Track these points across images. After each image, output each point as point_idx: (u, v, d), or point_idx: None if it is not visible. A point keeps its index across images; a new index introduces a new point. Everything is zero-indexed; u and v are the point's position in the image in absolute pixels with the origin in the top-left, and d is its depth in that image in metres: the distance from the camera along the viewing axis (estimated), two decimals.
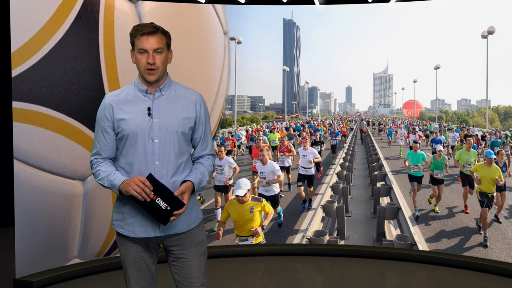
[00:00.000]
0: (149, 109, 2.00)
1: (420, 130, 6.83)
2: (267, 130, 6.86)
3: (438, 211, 5.52)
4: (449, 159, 6.28)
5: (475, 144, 5.84)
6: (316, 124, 7.24)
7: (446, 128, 6.68)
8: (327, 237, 5.01)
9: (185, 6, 4.73)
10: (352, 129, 7.81)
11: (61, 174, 4.03)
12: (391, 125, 7.52)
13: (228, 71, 5.33)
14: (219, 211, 5.53)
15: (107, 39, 4.20)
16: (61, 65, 3.98)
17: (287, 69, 6.32)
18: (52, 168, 3.97)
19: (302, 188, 5.93)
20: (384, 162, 6.95)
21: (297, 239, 5.15)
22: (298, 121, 7.23)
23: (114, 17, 4.22)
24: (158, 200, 1.88)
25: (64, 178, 4.06)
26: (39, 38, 3.82)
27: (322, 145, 6.68)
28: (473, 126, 6.17)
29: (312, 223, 5.43)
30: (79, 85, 4.09)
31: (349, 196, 6.26)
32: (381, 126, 7.76)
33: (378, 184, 6.25)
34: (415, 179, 5.72)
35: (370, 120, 7.72)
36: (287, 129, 7.08)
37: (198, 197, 5.72)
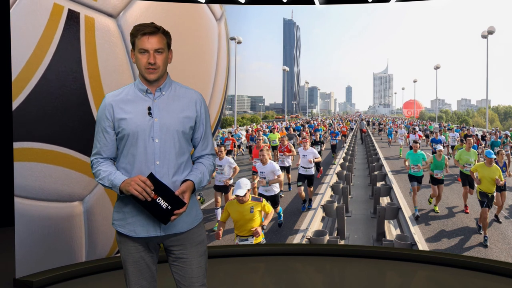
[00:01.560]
0: (149, 108, 2.00)
1: (420, 130, 6.83)
2: (267, 130, 6.86)
3: (438, 211, 5.52)
4: (449, 159, 6.28)
5: (475, 144, 5.84)
6: (316, 124, 7.24)
7: (446, 128, 6.68)
8: (327, 237, 5.01)
9: (172, 7, 4.59)
10: (352, 129, 7.81)
11: (59, 200, 4.08)
12: (391, 125, 7.53)
13: (226, 60, 5.18)
14: (219, 211, 5.53)
15: (90, 62, 4.13)
16: (48, 98, 3.96)
17: (287, 69, 6.31)
18: (49, 197, 4.02)
19: (302, 188, 5.93)
20: (384, 162, 6.95)
21: (297, 239, 5.14)
22: (298, 121, 7.23)
23: (95, 38, 4.13)
24: (159, 200, 1.88)
25: (62, 202, 4.10)
26: (25, 73, 3.82)
27: (322, 145, 6.68)
28: (473, 126, 6.17)
29: (312, 223, 5.43)
30: (67, 112, 4.07)
31: (349, 196, 6.25)
32: (381, 126, 7.76)
33: (378, 184, 6.25)
34: (415, 179, 5.72)
35: (370, 120, 7.72)
36: (287, 129, 7.08)
37: (198, 197, 5.72)
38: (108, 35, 4.19)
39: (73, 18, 4.02)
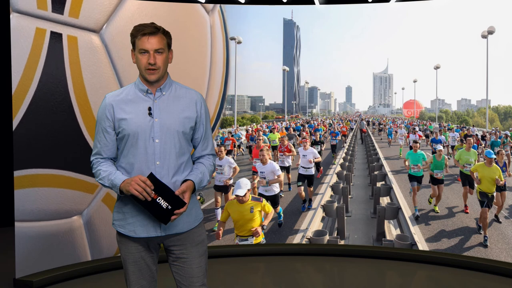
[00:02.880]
0: (149, 108, 2.00)
1: (420, 130, 6.83)
2: (267, 130, 6.86)
3: (438, 211, 5.52)
4: (449, 159, 6.28)
5: (475, 144, 5.84)
6: (316, 124, 7.24)
7: (446, 128, 6.68)
8: (327, 237, 5.01)
9: (159, 10, 4.49)
10: (352, 129, 7.81)
11: (57, 218, 4.09)
12: (391, 125, 7.52)
13: (222, 51, 5.10)
14: (219, 211, 5.53)
15: (76, 82, 4.08)
16: (37, 124, 3.95)
17: (287, 69, 6.31)
18: (46, 217, 4.04)
19: (302, 188, 5.93)
20: (384, 162, 6.94)
21: (297, 239, 5.14)
22: (298, 121, 7.23)
23: (80, 57, 4.07)
24: (159, 199, 1.88)
25: (61, 219, 4.12)
26: (15, 101, 3.83)
27: (322, 145, 6.68)
28: (473, 126, 6.17)
29: (312, 223, 5.43)
30: (57, 135, 4.05)
31: (349, 196, 6.26)
32: (381, 126, 7.76)
33: (378, 184, 6.25)
34: (415, 179, 5.72)
35: (370, 120, 7.72)
36: (287, 129, 7.08)
37: (198, 197, 5.71)
38: (92, 52, 4.12)
39: (56, 40, 3.94)
